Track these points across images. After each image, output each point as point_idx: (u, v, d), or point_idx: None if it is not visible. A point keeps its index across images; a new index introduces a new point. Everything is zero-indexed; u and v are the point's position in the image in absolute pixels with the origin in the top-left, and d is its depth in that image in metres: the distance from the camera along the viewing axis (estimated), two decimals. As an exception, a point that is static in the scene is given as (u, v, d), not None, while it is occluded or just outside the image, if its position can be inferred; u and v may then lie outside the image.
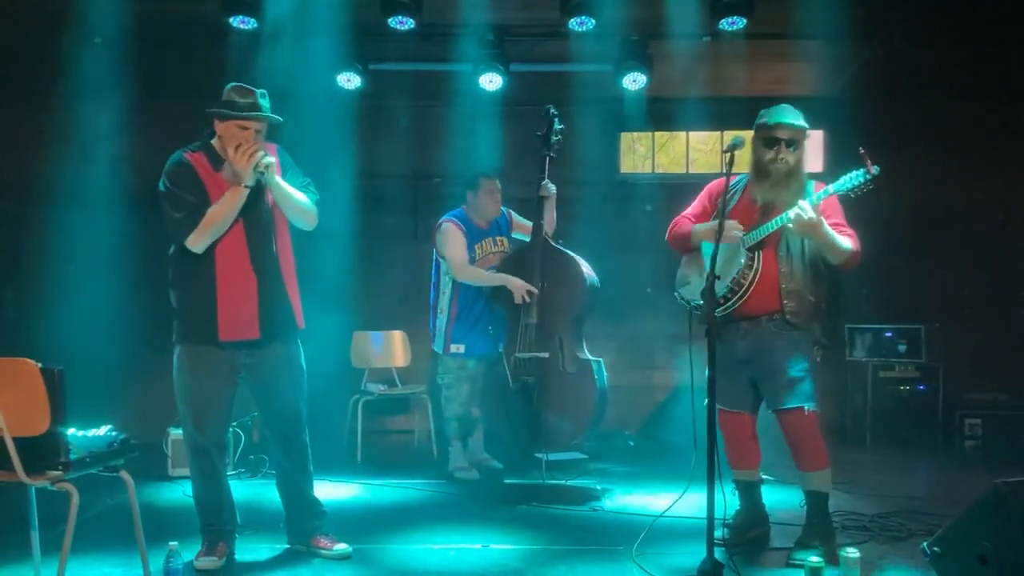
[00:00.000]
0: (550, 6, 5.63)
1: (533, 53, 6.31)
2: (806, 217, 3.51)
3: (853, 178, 3.52)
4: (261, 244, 3.57)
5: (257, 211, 3.56)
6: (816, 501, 3.76)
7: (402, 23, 5.52)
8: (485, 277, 5.04)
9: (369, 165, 6.45)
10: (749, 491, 4.04)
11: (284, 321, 3.65)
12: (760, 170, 3.78)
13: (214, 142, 3.58)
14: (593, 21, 5.51)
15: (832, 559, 3.50)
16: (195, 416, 3.58)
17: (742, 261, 3.70)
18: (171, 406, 5.45)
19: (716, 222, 3.52)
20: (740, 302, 3.70)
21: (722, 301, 3.70)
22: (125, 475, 3.29)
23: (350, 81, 6.05)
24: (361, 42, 6.02)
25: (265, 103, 3.55)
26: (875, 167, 3.45)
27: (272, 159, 3.52)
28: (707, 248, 3.66)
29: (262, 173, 3.46)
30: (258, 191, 3.53)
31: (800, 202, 3.56)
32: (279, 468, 3.85)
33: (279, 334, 3.64)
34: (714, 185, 4.03)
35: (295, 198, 3.60)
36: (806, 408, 3.69)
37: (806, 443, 3.72)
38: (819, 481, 3.75)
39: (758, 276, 3.69)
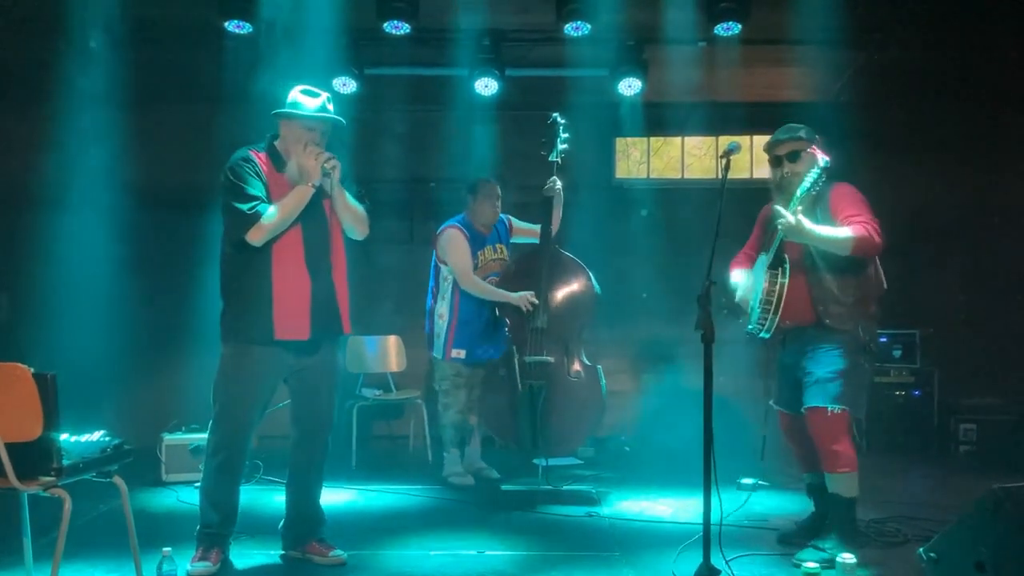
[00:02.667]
0: (546, 11, 5.64)
1: (529, 58, 6.32)
2: (784, 221, 3.56)
3: (812, 175, 3.64)
4: (317, 247, 3.61)
5: (315, 214, 3.60)
6: (835, 503, 3.75)
7: (398, 28, 5.52)
8: (488, 291, 5.02)
9: (364, 170, 6.41)
10: (820, 494, 4.01)
11: (333, 324, 3.68)
12: (779, 190, 3.87)
13: (277, 144, 3.63)
14: (589, 26, 5.51)
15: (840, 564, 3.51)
16: (234, 416, 3.58)
17: (764, 281, 3.77)
18: (165, 411, 5.53)
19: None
20: (777, 318, 3.73)
21: (762, 323, 3.77)
22: (118, 480, 3.27)
23: (346, 86, 6.05)
24: (357, 47, 6.02)
25: (332, 107, 3.62)
26: (824, 159, 3.64)
27: (338, 162, 3.57)
28: (756, 279, 3.90)
29: (328, 174, 3.52)
30: (317, 194, 3.57)
31: (776, 208, 3.64)
32: (294, 468, 3.82)
33: (327, 337, 3.68)
34: (764, 210, 4.10)
35: (354, 204, 3.69)
36: (829, 409, 3.68)
37: (826, 444, 3.71)
38: (837, 483, 3.73)
39: (785, 290, 3.72)
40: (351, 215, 3.69)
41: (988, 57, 6.07)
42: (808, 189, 3.63)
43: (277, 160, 3.61)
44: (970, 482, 4.93)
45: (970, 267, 6.47)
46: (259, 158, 3.57)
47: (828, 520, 3.80)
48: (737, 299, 4.02)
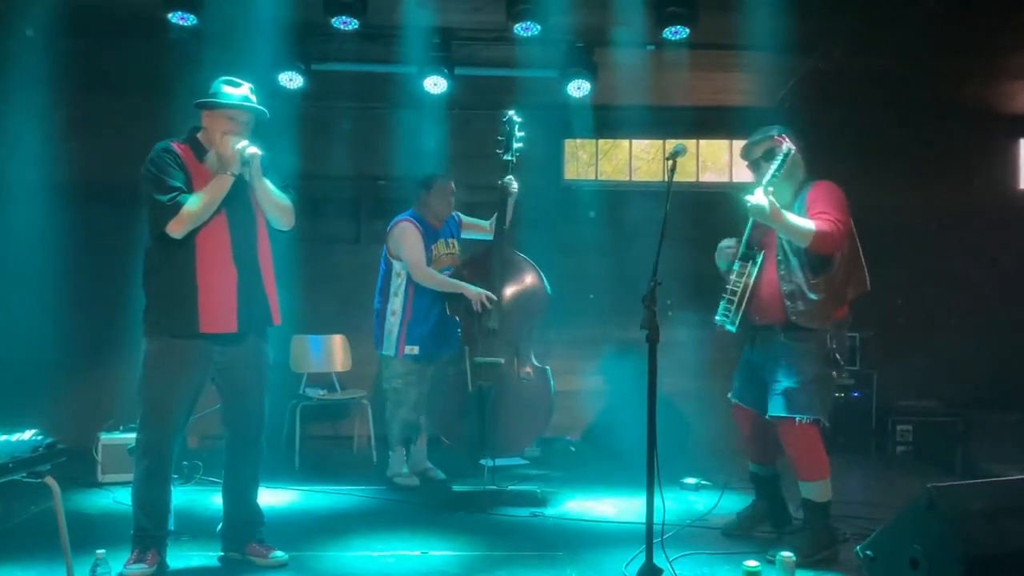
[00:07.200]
0: (496, 11, 5.61)
1: (478, 57, 6.29)
2: (752, 203, 3.62)
3: (778, 159, 3.72)
4: (243, 237, 3.58)
5: (241, 204, 3.58)
6: (809, 508, 3.86)
7: (346, 23, 5.45)
8: (442, 282, 4.98)
9: (311, 167, 6.34)
10: (762, 485, 4.17)
11: (261, 316, 3.65)
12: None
13: (199, 135, 3.61)
14: (539, 27, 5.50)
15: (814, 563, 3.65)
16: (159, 414, 3.51)
17: (733, 271, 3.82)
18: (102, 410, 5.39)
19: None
20: (741, 310, 3.78)
21: (726, 314, 3.83)
22: (50, 481, 3.17)
23: (292, 81, 5.96)
24: (304, 41, 5.93)
25: (255, 98, 3.61)
26: (787, 146, 3.72)
27: (258, 150, 3.54)
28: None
29: (247, 162, 3.49)
30: (242, 185, 3.54)
31: (757, 191, 3.65)
32: (229, 469, 3.77)
33: (255, 329, 3.64)
34: None
35: (276, 194, 3.65)
36: (797, 419, 3.74)
37: (796, 454, 3.82)
38: (810, 490, 3.84)
39: (752, 284, 3.78)
40: (273, 205, 3.65)
41: (927, 68, 6.21)
42: (776, 172, 3.67)
43: (199, 151, 3.59)
44: (905, 481, 5.05)
45: (908, 271, 6.62)
46: (180, 149, 3.55)
47: (804, 522, 3.89)
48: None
